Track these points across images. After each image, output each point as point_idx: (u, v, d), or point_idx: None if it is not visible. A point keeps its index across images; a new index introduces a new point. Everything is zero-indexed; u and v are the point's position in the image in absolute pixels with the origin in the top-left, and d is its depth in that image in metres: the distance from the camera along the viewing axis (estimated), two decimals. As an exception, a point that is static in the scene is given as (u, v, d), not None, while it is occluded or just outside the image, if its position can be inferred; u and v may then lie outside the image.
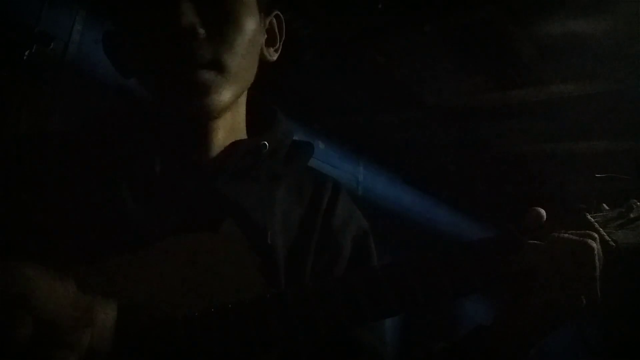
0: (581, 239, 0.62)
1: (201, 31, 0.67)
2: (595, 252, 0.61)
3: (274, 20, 0.82)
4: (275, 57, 0.82)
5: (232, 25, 0.70)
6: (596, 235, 0.64)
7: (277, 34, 0.83)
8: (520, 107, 3.03)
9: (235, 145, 0.78)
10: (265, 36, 0.80)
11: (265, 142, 0.76)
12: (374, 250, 0.83)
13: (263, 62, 0.80)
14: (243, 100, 0.81)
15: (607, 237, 0.65)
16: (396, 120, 3.51)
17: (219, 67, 0.69)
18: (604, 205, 0.69)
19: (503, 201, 3.86)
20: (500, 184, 3.94)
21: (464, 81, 2.96)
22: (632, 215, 0.68)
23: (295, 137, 0.84)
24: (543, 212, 0.67)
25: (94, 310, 0.57)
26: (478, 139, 3.58)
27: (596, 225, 0.66)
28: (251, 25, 0.73)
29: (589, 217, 0.66)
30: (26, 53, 2.09)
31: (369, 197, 3.84)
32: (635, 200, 0.69)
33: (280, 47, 0.83)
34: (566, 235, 0.63)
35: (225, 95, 0.70)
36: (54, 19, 2.26)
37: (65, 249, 0.66)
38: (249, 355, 0.60)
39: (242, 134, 0.82)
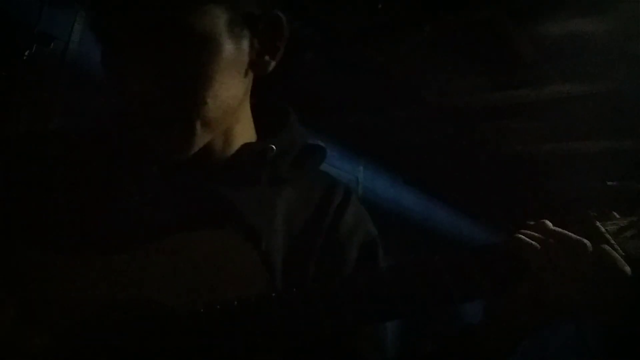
0: (578, 238, 0.61)
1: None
2: (589, 253, 0.60)
3: (268, 25, 0.72)
4: (271, 66, 0.74)
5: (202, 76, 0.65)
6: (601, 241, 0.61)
7: (273, 38, 0.73)
8: (520, 107, 3.03)
9: (240, 148, 0.75)
10: (257, 47, 0.71)
11: (273, 146, 0.73)
12: (382, 258, 0.80)
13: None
14: (241, 108, 0.76)
15: (617, 247, 0.61)
16: (396, 120, 3.51)
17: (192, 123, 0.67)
18: (614, 213, 0.65)
19: (503, 201, 3.86)
20: (500, 184, 3.94)
21: (464, 81, 2.96)
22: None
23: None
24: (549, 223, 0.65)
25: None
26: (478, 139, 3.58)
27: (606, 234, 0.62)
28: (223, 62, 0.66)
29: (598, 225, 0.63)
30: (26, 53, 2.09)
31: (369, 197, 3.83)
32: None
33: (282, 50, 0.74)
34: (562, 232, 0.62)
35: (201, 142, 0.69)
36: (54, 19, 2.26)
37: (66, 248, 0.66)
38: (249, 353, 0.60)
39: (249, 136, 0.79)
